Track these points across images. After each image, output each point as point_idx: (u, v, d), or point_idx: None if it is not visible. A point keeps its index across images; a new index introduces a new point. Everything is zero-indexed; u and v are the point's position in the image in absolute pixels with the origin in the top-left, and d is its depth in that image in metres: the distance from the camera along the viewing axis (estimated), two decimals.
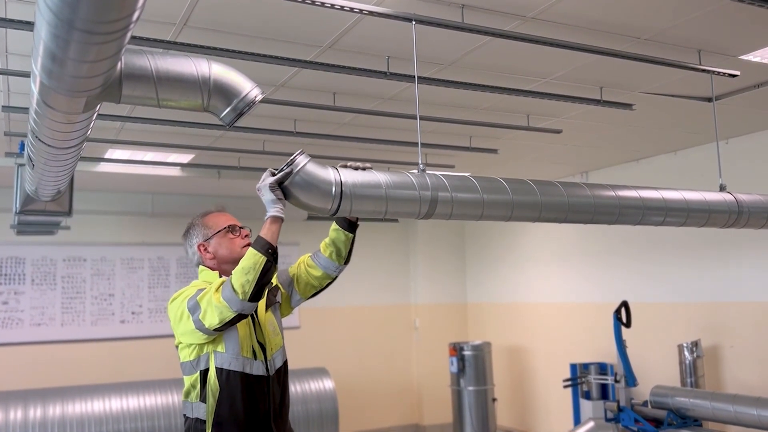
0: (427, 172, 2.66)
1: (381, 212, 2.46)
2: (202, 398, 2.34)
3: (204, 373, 2.34)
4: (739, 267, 5.59)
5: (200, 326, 2.23)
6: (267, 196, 2.18)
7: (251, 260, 2.13)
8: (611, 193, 3.21)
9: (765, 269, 5.39)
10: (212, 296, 2.18)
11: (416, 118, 3.09)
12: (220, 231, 2.50)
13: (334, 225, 2.55)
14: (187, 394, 2.40)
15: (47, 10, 1.49)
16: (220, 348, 2.33)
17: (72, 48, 1.62)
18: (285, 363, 2.57)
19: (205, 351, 2.34)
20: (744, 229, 3.99)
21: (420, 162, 2.76)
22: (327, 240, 2.56)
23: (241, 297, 2.12)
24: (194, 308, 2.23)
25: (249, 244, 2.38)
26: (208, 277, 2.49)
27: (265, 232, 2.19)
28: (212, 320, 2.19)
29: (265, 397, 2.40)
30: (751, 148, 5.48)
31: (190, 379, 2.38)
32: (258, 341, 2.44)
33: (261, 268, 2.13)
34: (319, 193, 2.24)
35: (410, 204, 2.52)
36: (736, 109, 4.72)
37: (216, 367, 2.33)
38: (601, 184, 3.26)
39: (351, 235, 2.53)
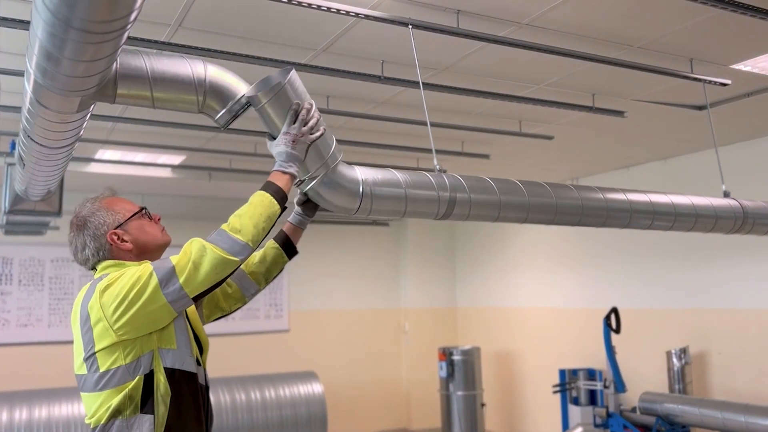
0: (446, 173, 2.65)
1: (400, 212, 2.42)
2: (148, 409, 1.82)
3: (149, 378, 1.83)
4: (727, 274, 5.62)
5: (179, 295, 1.78)
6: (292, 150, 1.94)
7: (267, 210, 1.86)
8: (616, 196, 3.24)
9: (753, 277, 5.43)
10: (196, 256, 1.79)
11: (424, 123, 3.11)
12: (135, 215, 2.05)
13: (272, 243, 2.26)
14: (118, 412, 1.80)
15: (44, 9, 1.48)
16: (170, 344, 1.86)
17: (68, 47, 1.61)
18: None
19: (147, 350, 1.83)
20: (733, 237, 4.02)
21: (436, 164, 2.76)
22: (259, 256, 2.25)
23: (252, 245, 1.82)
24: (169, 276, 1.77)
25: (164, 231, 2.12)
26: (129, 269, 1.87)
27: (279, 179, 1.93)
28: (204, 279, 1.79)
29: (205, 410, 1.98)
30: (743, 156, 5.51)
31: (123, 389, 1.80)
32: (197, 342, 2.01)
33: (275, 220, 1.88)
34: (347, 193, 2.20)
35: (429, 204, 2.50)
36: (726, 117, 4.76)
37: (166, 368, 1.84)
38: (598, 188, 3.27)
39: (288, 260, 2.30)
